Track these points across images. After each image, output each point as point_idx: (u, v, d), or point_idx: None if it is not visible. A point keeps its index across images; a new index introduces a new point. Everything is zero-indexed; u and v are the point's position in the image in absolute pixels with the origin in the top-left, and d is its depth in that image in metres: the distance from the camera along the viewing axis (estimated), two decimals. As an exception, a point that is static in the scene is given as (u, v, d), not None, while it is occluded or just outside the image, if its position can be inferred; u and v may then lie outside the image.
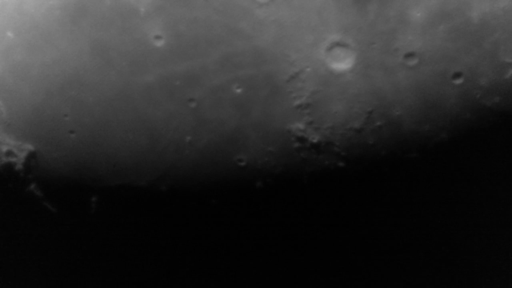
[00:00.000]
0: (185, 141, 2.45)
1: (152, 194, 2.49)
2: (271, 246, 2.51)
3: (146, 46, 2.43)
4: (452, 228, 2.55)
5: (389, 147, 2.42)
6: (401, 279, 2.63)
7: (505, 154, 2.47)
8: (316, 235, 2.49)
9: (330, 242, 2.50)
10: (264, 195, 2.45)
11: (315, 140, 2.43)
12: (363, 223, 2.48)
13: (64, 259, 2.68)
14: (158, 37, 2.43)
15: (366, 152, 2.43)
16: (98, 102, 2.47)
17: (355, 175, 2.43)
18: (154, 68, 2.44)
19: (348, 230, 2.48)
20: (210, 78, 2.42)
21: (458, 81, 2.42)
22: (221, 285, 2.59)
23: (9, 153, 2.56)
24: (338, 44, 2.40)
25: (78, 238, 2.60)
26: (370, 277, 2.60)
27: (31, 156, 2.55)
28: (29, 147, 2.54)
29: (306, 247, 2.51)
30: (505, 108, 2.44)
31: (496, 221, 2.58)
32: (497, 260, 2.82)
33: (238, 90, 2.43)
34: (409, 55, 2.40)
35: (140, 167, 2.48)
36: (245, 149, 2.44)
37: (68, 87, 2.48)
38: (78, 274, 2.69)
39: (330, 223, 2.47)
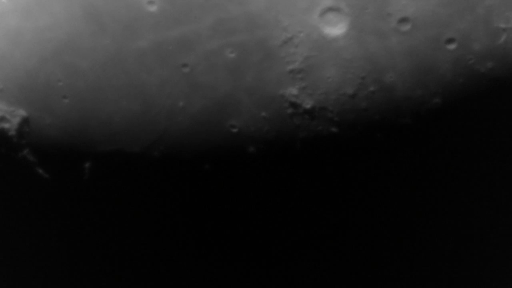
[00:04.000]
0: (178, 106, 2.45)
1: (145, 159, 2.49)
2: (263, 210, 2.51)
3: (139, 11, 2.43)
4: (445, 194, 2.55)
5: (382, 112, 2.42)
6: (392, 246, 2.64)
7: (498, 119, 2.47)
8: (309, 200, 2.49)
9: (322, 207, 2.50)
10: (256, 160, 2.45)
11: (308, 106, 2.43)
12: (355, 188, 2.48)
13: (56, 225, 2.68)
14: (151, 2, 2.43)
15: (359, 117, 2.42)
16: (91, 68, 2.47)
17: (348, 140, 2.43)
18: (147, 33, 2.43)
19: (340, 195, 2.49)
20: (203, 43, 2.42)
21: (451, 47, 2.41)
22: (214, 250, 2.60)
23: (1, 119, 2.55)
24: (331, 9, 2.40)
25: (71, 204, 2.61)
26: (362, 244, 2.61)
27: (24, 121, 2.55)
28: (22, 112, 2.54)
29: (298, 212, 2.51)
30: (498, 73, 2.44)
31: (490, 186, 2.58)
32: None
33: (231, 55, 2.42)
34: (402, 20, 2.40)
35: (133, 132, 2.48)
36: (238, 114, 2.44)
37: (61, 52, 2.48)
38: (70, 239, 2.70)
39: (323, 188, 2.47)
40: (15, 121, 2.55)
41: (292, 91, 2.42)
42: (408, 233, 2.61)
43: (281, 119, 2.44)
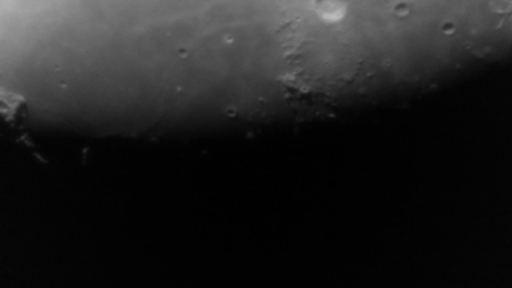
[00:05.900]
0: (176, 92, 2.45)
1: (143, 145, 2.50)
2: (261, 196, 2.51)
3: (137, -3, 2.43)
4: (442, 179, 2.55)
5: (380, 98, 2.43)
6: (390, 233, 2.65)
7: (495, 105, 2.48)
8: (306, 186, 2.50)
9: (320, 192, 2.51)
10: (254, 145, 2.46)
11: (305, 91, 2.43)
12: (353, 174, 2.49)
13: (54, 210, 2.69)
14: (148, -12, 2.43)
15: (356, 103, 2.43)
16: (89, 53, 2.47)
17: (345, 126, 2.44)
18: (145, 19, 2.43)
19: (338, 180, 2.49)
20: (201, 29, 2.42)
21: (449, 32, 2.42)
22: (212, 236, 2.61)
23: (-1, 104, 2.56)
24: (329, -5, 2.41)
25: (69, 189, 2.61)
26: (358, 230, 2.62)
27: (22, 107, 2.55)
28: (20, 98, 2.54)
29: (296, 197, 2.52)
30: (496, 59, 2.44)
31: (487, 171, 2.59)
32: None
33: (229, 41, 2.43)
34: (400, 5, 2.40)
35: (131, 118, 2.48)
36: (235, 100, 2.44)
37: (59, 38, 2.48)
38: (67, 225, 2.70)
39: (321, 174, 2.48)
40: (13, 106, 2.55)
41: (290, 76, 2.42)
42: (405, 219, 2.62)
43: (278, 104, 2.44)
